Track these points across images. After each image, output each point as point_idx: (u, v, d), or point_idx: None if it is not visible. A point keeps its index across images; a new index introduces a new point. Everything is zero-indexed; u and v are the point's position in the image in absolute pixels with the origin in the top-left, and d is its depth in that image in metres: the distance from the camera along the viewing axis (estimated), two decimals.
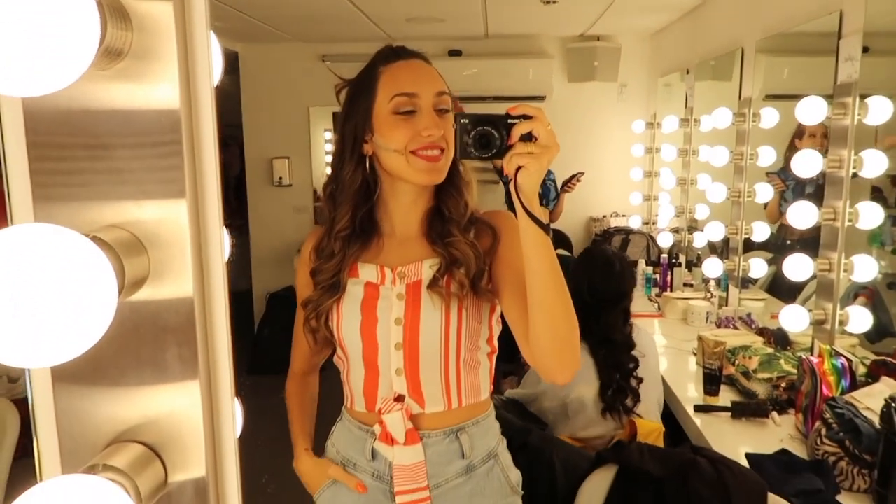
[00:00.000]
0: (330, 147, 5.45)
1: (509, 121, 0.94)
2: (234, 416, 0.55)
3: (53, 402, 0.52)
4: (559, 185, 4.06)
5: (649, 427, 1.97)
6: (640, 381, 1.98)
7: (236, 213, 5.61)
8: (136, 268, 0.49)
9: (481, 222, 1.20)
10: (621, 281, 2.02)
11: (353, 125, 1.16)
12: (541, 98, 4.66)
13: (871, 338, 2.15)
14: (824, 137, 2.55)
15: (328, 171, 5.37)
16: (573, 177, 3.99)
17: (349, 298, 1.18)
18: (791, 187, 2.62)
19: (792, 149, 2.52)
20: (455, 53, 4.76)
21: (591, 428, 1.99)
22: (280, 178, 5.08)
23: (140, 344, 0.52)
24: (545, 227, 0.97)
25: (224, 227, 0.58)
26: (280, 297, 4.92)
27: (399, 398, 1.17)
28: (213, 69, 0.51)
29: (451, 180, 1.18)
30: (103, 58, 0.47)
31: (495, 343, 1.25)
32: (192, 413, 0.53)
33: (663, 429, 2.00)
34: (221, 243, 0.53)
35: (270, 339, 4.65)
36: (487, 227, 1.19)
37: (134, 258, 0.49)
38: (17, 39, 0.39)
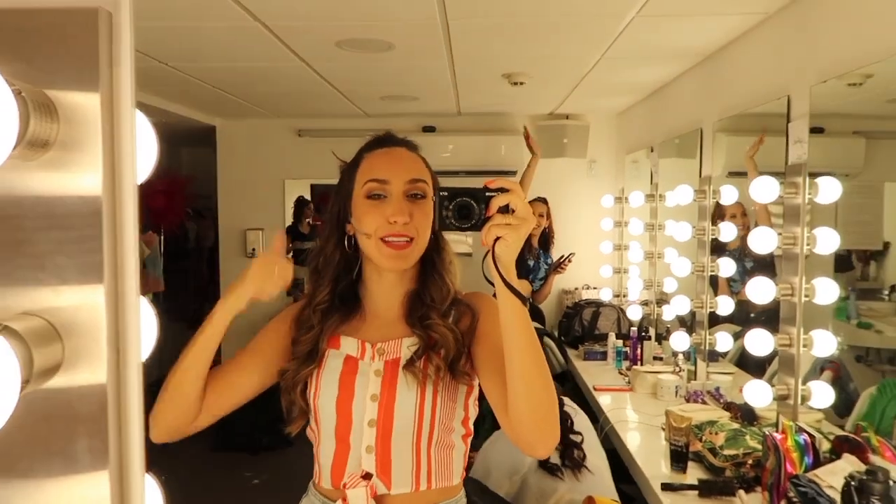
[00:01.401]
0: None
1: (487, 193, 0.98)
2: None
3: None
4: (550, 265, 4.12)
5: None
6: (581, 438, 2.05)
7: (209, 283, 5.56)
8: (47, 357, 0.48)
9: (462, 304, 1.23)
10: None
11: (337, 206, 1.24)
12: (513, 172, 4.77)
13: (840, 412, 2.16)
14: (744, 216, 2.69)
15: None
16: (564, 257, 4.04)
17: (328, 370, 1.19)
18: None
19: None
20: (429, 129, 4.89)
21: (553, 496, 1.98)
22: (253, 250, 5.08)
23: (50, 434, 0.50)
24: (522, 298, 1.00)
25: (148, 303, 0.58)
26: None
27: (366, 476, 1.16)
28: (136, 158, 0.53)
29: (434, 265, 1.23)
30: (27, 149, 0.48)
31: (471, 426, 1.25)
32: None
33: None
34: (138, 327, 0.52)
35: (237, 413, 4.52)
36: (467, 308, 1.22)
37: (46, 347, 0.49)
38: None
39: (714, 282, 2.92)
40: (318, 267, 1.25)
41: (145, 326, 0.55)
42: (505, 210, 0.96)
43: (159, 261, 5.38)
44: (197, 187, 5.78)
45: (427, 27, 2.46)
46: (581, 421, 2.21)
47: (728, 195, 2.77)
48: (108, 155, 0.51)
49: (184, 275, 6.00)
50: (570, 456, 2.03)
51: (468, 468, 1.38)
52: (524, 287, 3.88)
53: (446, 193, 1.01)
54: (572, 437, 2.09)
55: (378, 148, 1.23)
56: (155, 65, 3.04)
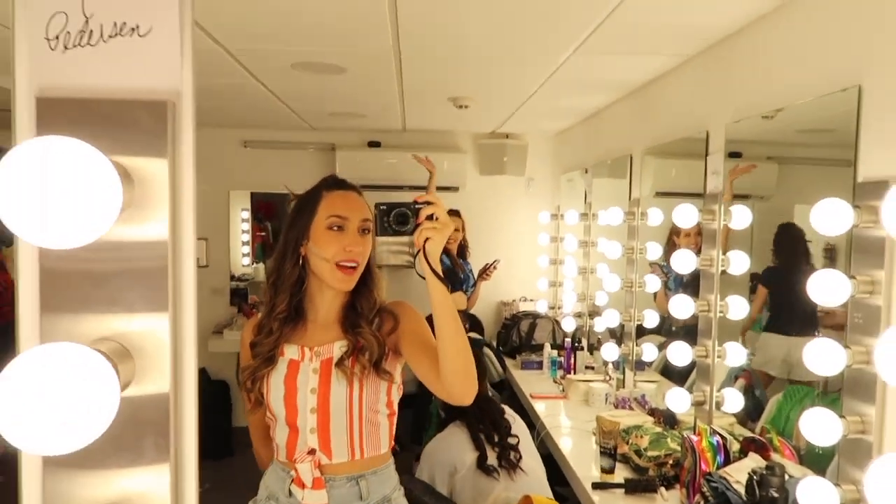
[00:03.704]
0: (247, 227, 5.53)
1: (416, 206, 1.31)
2: (196, 499, 0.66)
3: (42, 483, 0.62)
4: (476, 273, 4.27)
5: (544, 502, 2.12)
6: (518, 441, 2.25)
7: None
8: (126, 372, 0.61)
9: (386, 311, 1.55)
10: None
11: (297, 231, 1.49)
12: (455, 189, 4.95)
13: (752, 416, 2.40)
14: (698, 235, 2.89)
15: (251, 257, 5.43)
16: (490, 265, 4.20)
17: (276, 373, 1.49)
18: (672, 278, 2.93)
19: (671, 244, 2.84)
20: (374, 144, 5.01)
21: (491, 495, 2.14)
22: (197, 260, 5.06)
23: (122, 433, 0.63)
24: (445, 282, 1.32)
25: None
26: None
27: (311, 451, 1.47)
28: (194, 211, 0.66)
29: (365, 282, 1.54)
30: None
31: (395, 407, 1.56)
32: (161, 494, 0.64)
33: None
34: (195, 349, 0.65)
35: None
36: (390, 314, 1.54)
37: (124, 364, 0.61)
38: (57, 208, 0.52)
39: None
40: (276, 281, 1.52)
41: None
42: (430, 218, 1.28)
43: None
44: None
45: (380, 55, 2.61)
46: (518, 427, 2.39)
47: (654, 217, 3.02)
48: (172, 208, 0.64)
49: None
50: (506, 457, 2.21)
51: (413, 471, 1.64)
52: (460, 299, 4.04)
53: (385, 207, 1.35)
54: (510, 440, 2.27)
55: (337, 189, 1.53)
56: None
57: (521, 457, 2.26)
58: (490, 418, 2.29)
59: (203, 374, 4.96)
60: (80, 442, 0.53)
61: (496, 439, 2.24)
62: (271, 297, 1.52)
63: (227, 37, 2.42)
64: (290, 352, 1.50)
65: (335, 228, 1.47)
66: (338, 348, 1.49)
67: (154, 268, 0.63)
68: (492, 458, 2.23)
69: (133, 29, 0.63)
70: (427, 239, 1.29)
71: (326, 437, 1.46)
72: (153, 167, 0.63)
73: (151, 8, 0.63)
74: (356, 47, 2.55)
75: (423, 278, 1.33)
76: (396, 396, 1.56)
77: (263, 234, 5.62)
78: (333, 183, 1.55)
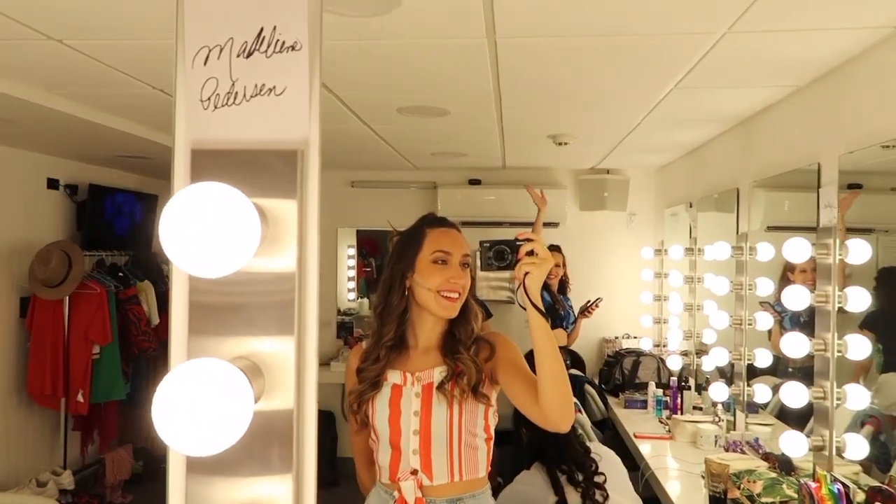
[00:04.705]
0: (352, 263, 5.77)
1: (517, 242, 1.41)
2: None
3: (185, 485, 0.70)
4: (576, 310, 4.24)
5: None
6: (605, 479, 2.17)
7: None
8: (258, 388, 0.69)
9: (483, 340, 1.63)
10: None
11: (403, 264, 1.60)
12: (555, 224, 4.94)
13: (881, 465, 2.24)
14: (814, 272, 2.75)
15: (357, 292, 5.64)
16: (592, 302, 4.15)
17: (381, 396, 1.58)
18: (788, 317, 2.80)
19: (784, 280, 2.72)
20: (475, 182, 5.13)
21: None
22: None
23: (252, 443, 0.71)
24: (545, 315, 1.41)
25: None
26: None
27: (414, 472, 1.54)
28: (317, 245, 0.74)
29: (464, 312, 1.63)
30: None
31: (492, 432, 1.63)
32: (285, 501, 0.71)
33: None
34: (315, 368, 0.73)
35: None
36: (487, 343, 1.62)
37: (256, 380, 0.69)
38: (209, 242, 0.61)
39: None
40: (383, 311, 1.62)
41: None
42: (531, 254, 1.37)
43: None
44: None
45: (482, 98, 2.71)
46: (607, 465, 2.28)
47: (764, 252, 2.91)
48: (300, 244, 0.73)
49: None
50: (590, 497, 2.13)
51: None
52: (561, 336, 4.01)
53: (487, 244, 1.45)
54: (596, 478, 2.19)
55: (439, 226, 1.64)
56: None
57: (608, 495, 2.17)
58: (573, 458, 2.24)
59: None
60: (220, 446, 0.61)
61: (579, 479, 2.17)
62: (378, 326, 1.62)
63: (340, 86, 2.60)
64: (393, 377, 1.59)
65: (440, 262, 1.57)
66: (438, 373, 1.57)
67: (284, 296, 0.71)
68: (574, 500, 2.15)
69: (271, 89, 0.73)
70: (527, 273, 1.37)
71: (428, 458, 1.54)
72: (284, 207, 0.72)
73: (286, 71, 0.72)
74: (459, 91, 2.66)
75: (524, 309, 1.42)
76: (493, 421, 1.63)
77: (368, 269, 5.84)
78: (435, 220, 1.66)
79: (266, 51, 0.73)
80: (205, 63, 0.73)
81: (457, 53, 2.15)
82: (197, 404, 0.60)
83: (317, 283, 0.73)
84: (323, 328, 5.34)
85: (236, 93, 0.73)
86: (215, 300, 0.72)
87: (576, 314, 4.22)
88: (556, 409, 1.42)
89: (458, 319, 1.61)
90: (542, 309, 1.40)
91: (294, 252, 0.72)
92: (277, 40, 0.73)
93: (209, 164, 0.70)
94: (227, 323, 0.71)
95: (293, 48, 0.73)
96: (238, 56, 0.73)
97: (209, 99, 0.73)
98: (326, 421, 5.09)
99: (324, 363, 5.06)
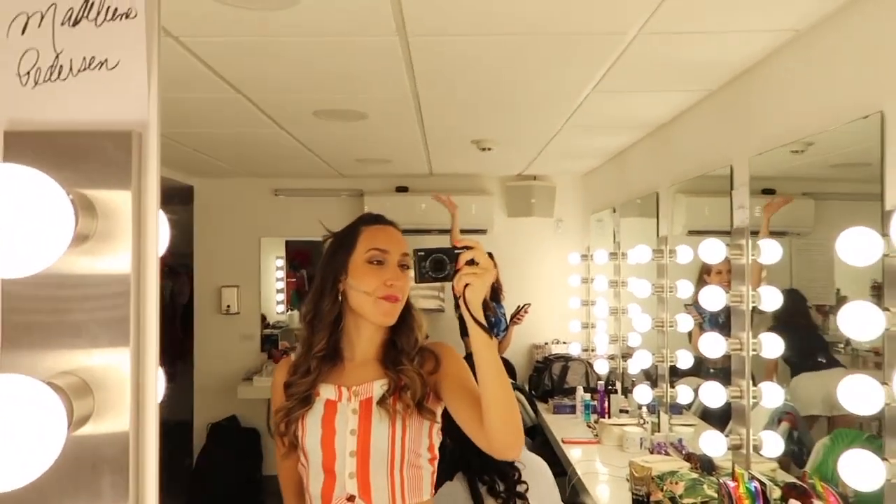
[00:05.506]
0: (281, 274, 5.59)
1: (455, 251, 1.24)
2: None
3: None
4: (508, 317, 4.21)
5: None
6: (526, 488, 2.10)
7: (182, 340, 5.56)
8: (82, 408, 0.59)
9: (427, 350, 1.47)
10: None
11: (334, 267, 1.45)
12: (483, 231, 4.92)
13: (798, 461, 2.27)
14: (729, 273, 2.80)
15: (284, 301, 5.47)
16: (521, 308, 4.14)
17: (312, 414, 1.41)
18: (707, 318, 2.83)
19: (701, 283, 2.75)
20: (402, 189, 5.05)
21: None
22: (228, 307, 5.12)
23: (79, 471, 0.60)
24: (488, 331, 1.25)
25: (160, 368, 0.69)
26: (222, 428, 4.80)
27: (350, 498, 1.38)
28: (158, 243, 0.65)
29: (405, 320, 1.47)
30: (73, 243, 0.60)
31: (436, 451, 1.48)
32: None
33: None
34: (156, 385, 0.63)
35: (208, 471, 4.50)
36: (431, 353, 1.47)
37: (82, 400, 0.59)
38: (6, 236, 0.51)
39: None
40: (313, 320, 1.46)
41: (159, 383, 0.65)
42: (471, 263, 1.22)
43: None
44: (173, 245, 5.80)
45: (399, 99, 2.64)
46: (531, 473, 2.23)
47: (683, 255, 2.94)
48: (136, 241, 0.63)
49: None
50: None
51: None
52: (494, 343, 3.96)
53: (423, 252, 1.26)
54: (518, 488, 2.14)
55: (376, 224, 1.49)
56: None
57: None
58: (496, 468, 2.17)
59: (233, 422, 4.94)
60: (24, 479, 0.51)
61: (500, 489, 2.11)
62: (308, 335, 1.46)
63: (248, 87, 2.48)
64: (326, 392, 1.43)
65: (375, 262, 1.42)
66: (378, 387, 1.41)
67: (116, 300, 0.62)
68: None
69: (102, 63, 0.64)
70: (467, 285, 1.23)
71: (366, 482, 1.38)
72: (117, 199, 0.62)
73: (120, 42, 0.63)
74: (375, 93, 2.58)
75: (464, 323, 1.29)
76: (437, 440, 1.48)
77: (294, 280, 5.67)
78: (371, 219, 1.52)
79: (95, 18, 0.63)
80: (23, 31, 0.63)
81: (367, 53, 2.08)
82: None
83: (157, 285, 0.64)
84: (246, 341, 5.17)
85: (61, 66, 0.63)
86: (32, 306, 0.61)
87: (508, 321, 4.20)
88: (501, 436, 1.28)
89: (400, 327, 1.46)
90: (486, 324, 1.24)
91: (129, 250, 0.62)
92: (109, 7, 0.63)
93: (24, 147, 0.60)
94: (47, 334, 0.61)
95: (126, 16, 0.63)
96: (63, 24, 0.63)
97: (28, 73, 0.63)
98: (251, 438, 4.89)
99: (247, 378, 4.86)
